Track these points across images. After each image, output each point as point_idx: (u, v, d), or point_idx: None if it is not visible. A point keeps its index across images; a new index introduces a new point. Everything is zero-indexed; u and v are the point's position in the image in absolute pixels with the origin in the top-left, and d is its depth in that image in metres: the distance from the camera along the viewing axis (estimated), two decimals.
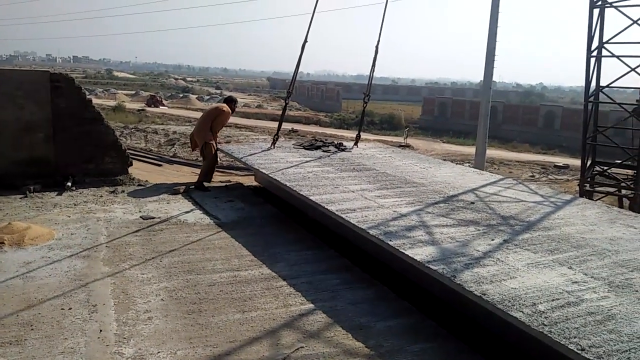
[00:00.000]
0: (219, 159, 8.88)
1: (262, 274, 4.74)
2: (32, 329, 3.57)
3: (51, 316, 3.76)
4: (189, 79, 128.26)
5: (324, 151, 8.86)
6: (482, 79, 18.16)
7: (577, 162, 16.02)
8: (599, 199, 11.69)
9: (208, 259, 5.02)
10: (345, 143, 9.86)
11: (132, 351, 3.37)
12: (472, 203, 5.87)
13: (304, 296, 4.30)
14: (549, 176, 25.09)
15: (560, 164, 28.10)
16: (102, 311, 3.88)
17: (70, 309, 3.88)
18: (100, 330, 3.60)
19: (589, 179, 11.66)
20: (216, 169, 8.97)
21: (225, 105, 8.32)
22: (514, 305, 3.31)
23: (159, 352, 3.37)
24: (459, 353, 3.62)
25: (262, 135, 28.35)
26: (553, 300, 3.42)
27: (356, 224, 4.90)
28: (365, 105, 10.06)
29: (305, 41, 8.64)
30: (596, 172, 11.88)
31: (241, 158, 7.90)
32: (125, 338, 3.52)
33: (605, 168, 11.81)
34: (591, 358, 2.77)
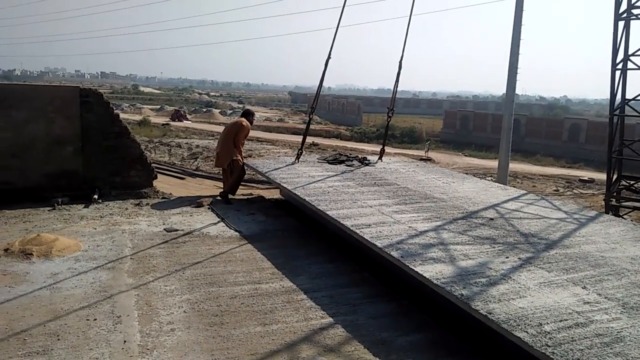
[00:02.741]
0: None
1: (283, 286, 4.76)
2: (58, 339, 3.65)
3: (77, 327, 3.84)
4: (212, 93, 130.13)
5: (347, 165, 8.86)
6: (504, 92, 18.00)
7: (602, 176, 15.72)
8: (625, 213, 11.44)
9: (230, 272, 5.06)
10: (369, 157, 9.83)
11: None
12: (491, 219, 5.76)
13: (324, 310, 4.30)
14: (574, 190, 24.62)
15: (586, 178, 27.59)
16: (126, 322, 3.94)
17: (95, 319, 3.96)
18: (124, 341, 3.66)
19: (615, 194, 11.43)
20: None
21: (244, 119, 8.49)
22: (519, 325, 3.25)
23: None
24: None
25: (283, 149, 28.57)
26: (561, 320, 3.34)
27: (369, 239, 4.88)
28: (389, 119, 10.08)
29: (329, 57, 8.72)
30: (622, 187, 11.66)
31: (265, 173, 7.97)
32: (148, 349, 3.57)
33: (632, 182, 11.58)
34: None
